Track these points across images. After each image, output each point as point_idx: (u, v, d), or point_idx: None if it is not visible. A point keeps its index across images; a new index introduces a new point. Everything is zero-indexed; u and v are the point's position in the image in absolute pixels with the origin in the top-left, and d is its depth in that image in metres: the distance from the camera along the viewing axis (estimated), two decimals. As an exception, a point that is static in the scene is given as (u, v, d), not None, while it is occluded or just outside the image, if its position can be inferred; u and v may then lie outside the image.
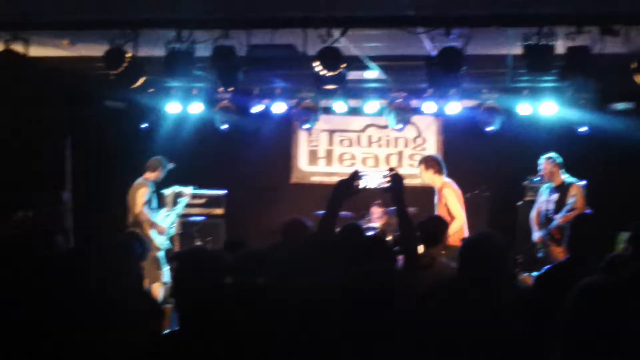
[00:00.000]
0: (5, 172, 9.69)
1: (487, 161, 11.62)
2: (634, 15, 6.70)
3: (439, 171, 8.97)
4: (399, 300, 2.99)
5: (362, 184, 4.32)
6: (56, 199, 9.98)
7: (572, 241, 5.03)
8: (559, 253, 8.45)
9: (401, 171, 4.42)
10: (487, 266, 3.75)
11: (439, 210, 8.73)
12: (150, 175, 9.78)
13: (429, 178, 9.02)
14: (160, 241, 9.63)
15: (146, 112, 11.34)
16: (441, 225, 6.35)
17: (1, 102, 9.28)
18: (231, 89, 9.97)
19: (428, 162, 9.06)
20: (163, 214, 9.97)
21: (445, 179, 8.96)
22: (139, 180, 9.74)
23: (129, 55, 7.54)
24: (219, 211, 11.77)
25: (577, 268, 4.81)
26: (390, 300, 2.98)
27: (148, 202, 9.64)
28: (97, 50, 7.98)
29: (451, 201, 8.71)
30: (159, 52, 7.75)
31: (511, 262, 4.15)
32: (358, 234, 5.32)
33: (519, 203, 11.06)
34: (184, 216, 10.70)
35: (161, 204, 10.21)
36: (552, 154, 9.50)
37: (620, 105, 10.13)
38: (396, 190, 4.37)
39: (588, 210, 9.25)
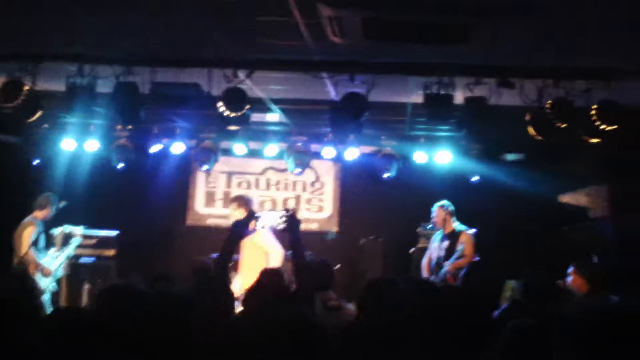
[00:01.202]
0: None
1: (383, 207, 11.80)
2: (529, 69, 7.03)
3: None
4: (319, 342, 2.99)
5: (258, 224, 4.31)
6: None
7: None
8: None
9: (298, 215, 4.42)
10: (388, 311, 3.78)
11: (252, 249, 8.56)
12: (39, 214, 9.44)
13: (240, 217, 9.07)
14: (46, 284, 9.23)
15: (40, 148, 10.97)
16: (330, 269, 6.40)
17: None
18: (131, 126, 9.84)
19: (239, 201, 9.15)
20: (51, 255, 9.60)
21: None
22: (28, 218, 9.38)
23: (26, 87, 7.32)
24: (110, 252, 11.39)
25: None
26: (311, 342, 2.97)
27: (35, 242, 9.26)
28: (-8, 81, 7.73)
29: (268, 239, 8.57)
30: (57, 86, 7.57)
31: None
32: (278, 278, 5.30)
33: (412, 250, 11.26)
34: (73, 257, 10.32)
35: (50, 244, 9.85)
36: (445, 202, 9.75)
37: (512, 156, 10.52)
38: (293, 231, 4.37)
39: (476, 258, 9.52)
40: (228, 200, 12.52)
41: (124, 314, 2.75)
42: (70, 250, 9.89)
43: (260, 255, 8.45)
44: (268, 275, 5.57)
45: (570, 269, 6.56)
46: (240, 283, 8.32)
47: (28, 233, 9.20)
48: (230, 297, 4.30)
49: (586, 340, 2.83)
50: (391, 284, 3.97)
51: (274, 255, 8.38)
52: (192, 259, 7.47)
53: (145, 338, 2.60)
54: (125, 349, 2.71)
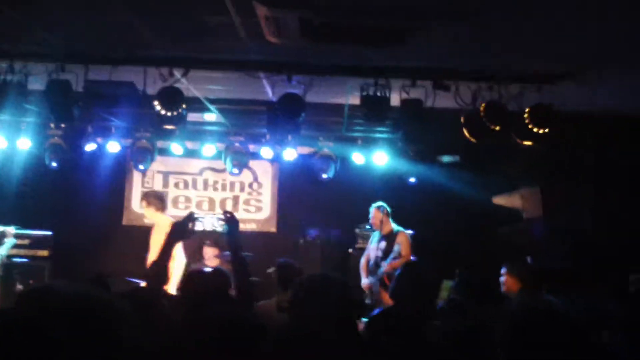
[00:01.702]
0: None
1: (321, 208, 11.83)
2: (464, 72, 7.13)
3: (160, 208, 9.26)
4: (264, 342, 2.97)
5: (197, 226, 4.28)
6: None
7: (396, 289, 5.24)
8: (389, 299, 8.70)
9: (237, 216, 4.40)
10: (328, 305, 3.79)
11: (155, 247, 8.80)
12: None
13: (151, 215, 9.19)
14: None
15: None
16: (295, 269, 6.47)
17: None
18: (65, 124, 9.66)
19: (149, 198, 9.22)
20: None
21: (168, 217, 9.20)
22: None
23: (-46, 84, 7.14)
24: (43, 253, 11.19)
25: (403, 314, 5.01)
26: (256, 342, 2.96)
27: None
28: None
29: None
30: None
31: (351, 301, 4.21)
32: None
33: (350, 250, 11.32)
34: (5, 257, 10.10)
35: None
36: (381, 203, 9.82)
37: (447, 158, 10.66)
38: (231, 233, 4.35)
39: (413, 258, 9.62)
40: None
41: (45, 316, 2.68)
42: (3, 250, 9.68)
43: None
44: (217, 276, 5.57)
45: (503, 269, 6.67)
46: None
47: None
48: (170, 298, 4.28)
49: (522, 336, 2.90)
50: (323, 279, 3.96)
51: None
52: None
53: (68, 340, 2.54)
54: (48, 352, 2.65)
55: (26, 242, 11.02)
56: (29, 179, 11.31)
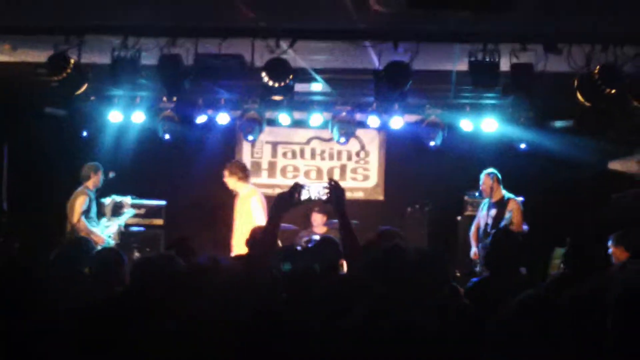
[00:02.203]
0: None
1: (429, 176, 11.72)
2: (577, 34, 6.88)
3: (243, 178, 9.25)
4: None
5: (303, 196, 4.29)
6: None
7: (489, 257, 5.17)
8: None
9: (343, 184, 4.39)
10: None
11: (243, 218, 9.04)
12: (89, 183, 9.65)
13: (233, 185, 9.19)
14: None
15: (87, 121, 11.12)
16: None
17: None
18: (176, 98, 9.92)
19: (232, 168, 9.24)
20: (103, 224, 9.83)
21: (251, 187, 9.40)
22: (80, 188, 9.61)
23: (72, 61, 7.41)
24: (158, 222, 11.58)
25: (499, 283, 4.94)
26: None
27: (86, 212, 9.49)
28: (39, 56, 7.83)
29: (258, 209, 8.99)
30: (103, 59, 7.64)
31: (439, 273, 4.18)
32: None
33: (459, 218, 11.20)
34: (123, 226, 10.52)
35: (100, 213, 10.05)
36: (492, 170, 9.65)
37: (560, 123, 10.35)
38: (337, 201, 4.34)
39: (525, 226, 9.43)
40: (274, 169, 12.64)
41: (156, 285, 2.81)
42: (123, 219, 10.10)
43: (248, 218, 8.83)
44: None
45: (610, 242, 6.46)
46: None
47: (79, 202, 9.45)
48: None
49: (632, 306, 2.82)
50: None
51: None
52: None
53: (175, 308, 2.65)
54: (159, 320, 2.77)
55: (142, 211, 11.42)
56: (143, 151, 11.67)
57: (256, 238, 6.26)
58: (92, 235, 9.41)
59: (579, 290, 4.26)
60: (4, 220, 10.22)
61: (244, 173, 9.35)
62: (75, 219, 9.36)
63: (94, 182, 9.70)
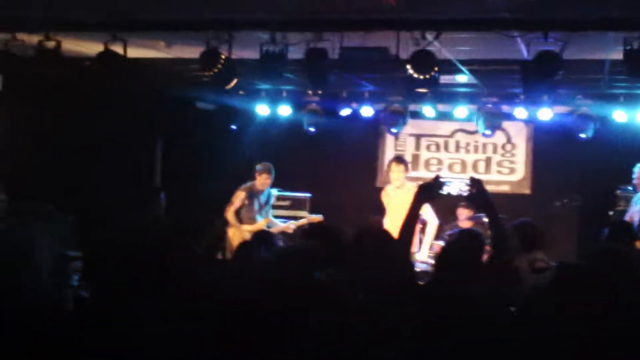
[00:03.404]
0: (97, 170, 9.94)
1: (579, 169, 11.37)
2: None
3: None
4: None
5: (444, 190, 4.25)
6: (154, 198, 10.16)
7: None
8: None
9: (488, 177, 4.30)
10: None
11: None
12: (257, 182, 9.94)
13: (403, 179, 9.27)
14: None
15: (236, 114, 11.48)
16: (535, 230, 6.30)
17: (98, 101, 9.54)
18: (320, 91, 10.06)
19: (407, 163, 9.42)
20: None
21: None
22: (246, 184, 9.95)
23: (223, 56, 7.64)
24: (303, 214, 11.77)
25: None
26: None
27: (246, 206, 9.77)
28: (191, 52, 8.12)
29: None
30: (250, 54, 7.83)
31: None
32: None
33: (611, 213, 10.77)
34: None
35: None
36: (646, 162, 9.24)
37: None
38: (480, 199, 4.27)
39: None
40: (417, 162, 12.58)
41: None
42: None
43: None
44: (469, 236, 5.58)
45: None
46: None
47: (237, 197, 9.74)
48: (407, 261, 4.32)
49: None
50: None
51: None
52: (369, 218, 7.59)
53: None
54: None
55: (287, 203, 11.66)
56: (289, 143, 11.91)
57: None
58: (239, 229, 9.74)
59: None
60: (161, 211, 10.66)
61: (406, 166, 9.45)
62: (228, 211, 9.75)
63: (262, 181, 9.94)
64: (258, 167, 9.94)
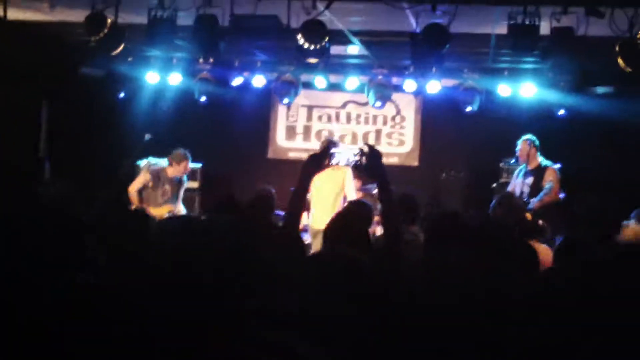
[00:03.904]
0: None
1: (465, 142, 11.65)
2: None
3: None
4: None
5: (333, 159, 4.22)
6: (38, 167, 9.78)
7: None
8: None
9: (379, 149, 4.28)
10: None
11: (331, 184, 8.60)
12: (169, 169, 9.24)
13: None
14: None
15: (124, 81, 11.17)
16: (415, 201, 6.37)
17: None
18: (212, 59, 9.90)
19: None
20: None
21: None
22: (153, 167, 9.31)
23: (109, 21, 7.42)
24: (193, 184, 11.60)
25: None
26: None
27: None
28: (77, 15, 7.85)
29: (350, 180, 8.70)
30: (139, 19, 7.64)
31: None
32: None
33: (494, 185, 11.08)
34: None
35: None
36: (530, 136, 9.49)
37: (601, 89, 10.16)
38: (372, 168, 4.23)
39: (561, 195, 9.29)
40: (309, 133, 12.61)
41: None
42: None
43: (338, 192, 8.53)
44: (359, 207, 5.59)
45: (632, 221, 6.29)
46: (316, 216, 8.45)
47: (142, 177, 9.18)
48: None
49: None
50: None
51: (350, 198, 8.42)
52: (257, 187, 7.56)
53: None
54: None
55: (177, 173, 11.44)
56: (179, 113, 11.71)
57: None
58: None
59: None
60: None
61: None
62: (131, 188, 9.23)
63: (175, 170, 9.28)
64: (179, 152, 9.28)
